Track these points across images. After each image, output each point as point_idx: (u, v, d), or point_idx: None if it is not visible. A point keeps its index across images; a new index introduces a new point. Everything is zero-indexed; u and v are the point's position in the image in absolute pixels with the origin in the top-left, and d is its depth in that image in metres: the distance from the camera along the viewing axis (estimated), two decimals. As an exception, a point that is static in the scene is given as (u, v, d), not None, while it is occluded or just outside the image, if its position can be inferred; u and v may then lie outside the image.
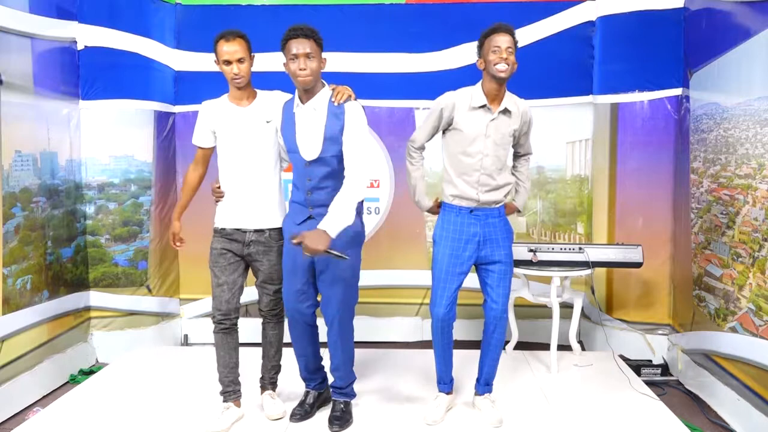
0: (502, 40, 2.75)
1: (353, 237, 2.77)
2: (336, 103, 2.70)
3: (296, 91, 2.77)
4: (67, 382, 3.76)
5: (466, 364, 3.40)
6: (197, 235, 4.45)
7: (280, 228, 2.90)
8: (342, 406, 2.98)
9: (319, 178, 2.73)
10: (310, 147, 2.73)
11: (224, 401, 3.00)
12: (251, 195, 2.85)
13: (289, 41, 2.65)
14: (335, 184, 2.70)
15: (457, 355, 3.09)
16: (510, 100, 2.86)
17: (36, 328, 3.55)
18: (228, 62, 2.74)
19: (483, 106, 2.80)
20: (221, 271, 2.89)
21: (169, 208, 4.45)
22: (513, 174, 3.09)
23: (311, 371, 3.04)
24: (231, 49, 2.73)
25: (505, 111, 2.83)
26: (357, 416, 3.03)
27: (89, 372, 3.83)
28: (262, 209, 2.87)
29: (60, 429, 2.95)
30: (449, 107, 2.85)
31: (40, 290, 3.61)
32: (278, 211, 2.92)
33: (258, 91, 2.90)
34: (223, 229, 2.88)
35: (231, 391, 3.00)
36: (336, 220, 2.53)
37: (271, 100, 2.88)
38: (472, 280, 3.03)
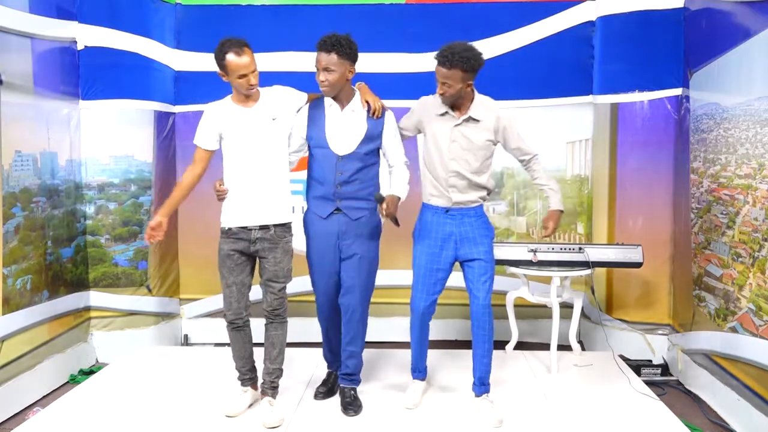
0: (438, 72, 2.81)
1: (375, 228, 3.05)
2: (375, 118, 2.95)
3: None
4: (67, 382, 3.76)
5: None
6: (197, 237, 4.48)
7: (286, 224, 2.98)
8: (352, 392, 3.13)
9: (351, 173, 2.93)
10: (345, 143, 2.94)
11: (242, 386, 3.11)
12: (257, 192, 2.89)
13: (317, 52, 2.85)
14: (363, 177, 2.96)
15: (449, 354, 3.15)
16: (479, 108, 2.89)
17: (36, 328, 3.55)
18: (244, 75, 2.76)
19: (445, 113, 2.91)
20: (229, 272, 2.93)
21: (169, 208, 4.45)
22: (535, 182, 3.10)
23: (335, 353, 3.22)
24: (244, 61, 2.75)
25: (470, 119, 2.89)
26: (357, 418, 3.04)
27: (89, 372, 3.83)
28: (267, 206, 2.90)
29: (60, 429, 2.95)
30: (420, 109, 3.02)
31: (40, 290, 3.61)
32: (286, 207, 2.98)
33: (260, 89, 2.92)
34: (230, 229, 2.91)
35: (248, 378, 3.11)
36: (401, 189, 2.98)
37: (275, 98, 2.94)
38: (459, 279, 3.11)
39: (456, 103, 2.89)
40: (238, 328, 3.00)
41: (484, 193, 3.00)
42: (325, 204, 2.97)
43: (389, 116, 3.01)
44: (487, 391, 3.09)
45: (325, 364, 3.37)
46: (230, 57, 2.74)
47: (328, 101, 2.95)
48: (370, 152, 2.97)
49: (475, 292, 2.95)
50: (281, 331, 3.02)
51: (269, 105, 2.90)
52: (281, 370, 3.07)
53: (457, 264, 3.05)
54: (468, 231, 2.95)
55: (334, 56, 2.80)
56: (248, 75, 2.76)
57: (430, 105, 2.97)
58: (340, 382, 3.16)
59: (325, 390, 3.21)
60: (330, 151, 2.94)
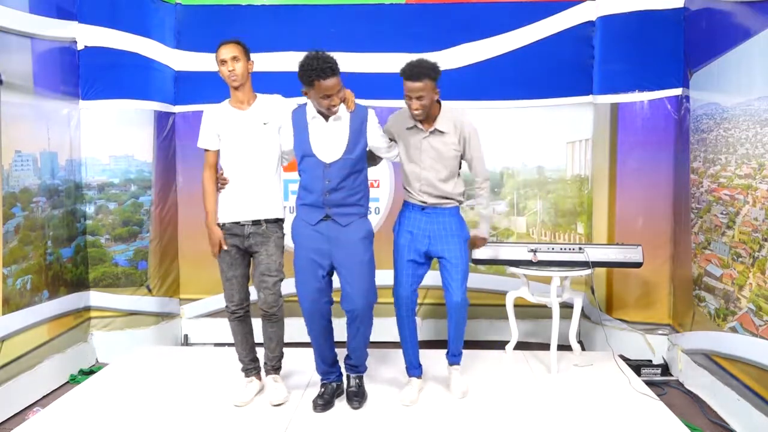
0: (410, 88, 2.90)
1: (366, 231, 3.01)
2: (350, 110, 2.95)
3: (310, 102, 2.92)
4: (67, 382, 3.76)
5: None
6: (197, 237, 4.47)
7: (277, 220, 3.07)
8: (357, 381, 3.16)
9: (339, 180, 2.91)
10: (331, 150, 2.91)
11: (246, 376, 3.22)
12: (249, 189, 3.01)
13: (317, 81, 2.73)
14: (351, 184, 2.94)
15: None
16: (444, 119, 3.02)
17: (36, 328, 3.55)
18: (224, 61, 2.92)
19: (414, 127, 3.03)
20: (228, 266, 3.07)
21: (169, 208, 4.45)
22: (476, 203, 3.25)
23: (329, 365, 3.17)
24: (226, 49, 2.93)
25: (436, 131, 3.01)
26: (358, 416, 3.04)
27: (89, 372, 3.83)
28: (258, 202, 3.01)
29: (60, 429, 2.94)
30: (392, 125, 3.13)
31: (40, 290, 3.61)
32: (276, 204, 3.08)
33: (258, 94, 3.05)
34: (223, 224, 3.04)
35: (252, 367, 3.23)
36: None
37: (270, 104, 3.05)
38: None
39: (426, 117, 3.00)
40: (240, 318, 3.13)
41: (456, 197, 3.12)
42: (314, 211, 2.95)
43: (371, 114, 3.00)
44: (458, 361, 3.33)
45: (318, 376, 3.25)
46: (219, 49, 2.95)
47: (311, 112, 2.92)
48: (357, 158, 2.94)
49: (448, 288, 3.12)
50: (277, 328, 3.13)
51: (262, 110, 3.01)
52: (282, 354, 3.22)
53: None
54: (440, 229, 3.09)
55: (337, 78, 2.77)
56: (227, 61, 2.90)
57: (400, 120, 3.09)
58: (346, 371, 3.19)
59: (323, 402, 3.09)
60: (316, 159, 2.91)
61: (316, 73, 2.70)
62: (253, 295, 3.11)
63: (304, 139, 2.94)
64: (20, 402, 3.34)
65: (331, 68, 2.72)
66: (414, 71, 2.87)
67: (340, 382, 3.22)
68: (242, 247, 3.04)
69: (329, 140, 2.92)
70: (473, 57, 4.41)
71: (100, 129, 4.12)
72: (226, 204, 3.03)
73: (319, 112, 2.90)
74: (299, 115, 2.97)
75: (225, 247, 3.02)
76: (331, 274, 3.02)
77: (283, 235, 3.11)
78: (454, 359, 3.34)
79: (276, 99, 3.08)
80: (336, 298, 3.05)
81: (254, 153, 3.00)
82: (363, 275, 2.95)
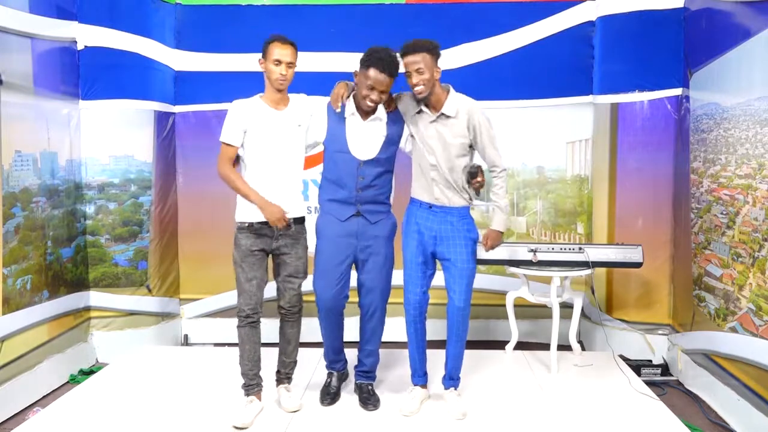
0: (408, 64, 2.82)
1: (391, 228, 3.10)
2: (389, 111, 3.00)
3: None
4: (67, 382, 3.76)
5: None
6: (197, 237, 4.48)
7: (303, 220, 3.06)
8: (370, 387, 3.20)
9: (372, 177, 2.98)
10: (367, 148, 2.97)
11: (247, 395, 3.05)
12: (278, 190, 2.94)
13: (371, 68, 2.78)
14: (382, 182, 3.02)
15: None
16: (452, 104, 2.89)
17: (36, 328, 3.55)
18: (279, 62, 2.84)
19: (421, 111, 2.95)
20: (250, 267, 2.94)
21: (169, 208, 4.45)
22: (491, 194, 3.03)
23: (338, 353, 3.25)
24: (285, 51, 2.85)
25: (442, 116, 2.90)
26: (358, 417, 3.04)
27: (89, 372, 3.83)
28: (288, 201, 2.96)
29: (60, 429, 2.95)
30: (402, 107, 3.05)
31: (40, 290, 3.61)
32: (301, 203, 3.08)
33: (289, 95, 3.00)
34: (251, 224, 2.92)
35: (254, 384, 3.07)
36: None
37: (302, 105, 3.02)
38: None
39: (430, 100, 2.89)
40: (253, 324, 2.98)
41: (466, 195, 3.01)
42: (345, 207, 3.00)
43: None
44: (455, 385, 3.18)
45: (323, 367, 3.33)
46: (274, 43, 2.85)
47: (350, 108, 2.96)
48: (389, 157, 3.02)
49: (450, 293, 3.03)
50: (296, 329, 3.13)
51: (297, 111, 2.98)
52: (296, 362, 3.19)
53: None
54: (447, 230, 2.98)
55: (390, 78, 2.82)
56: (282, 64, 2.83)
57: (408, 104, 3.00)
58: (357, 379, 3.22)
59: (331, 396, 3.19)
60: (351, 155, 2.96)
61: (375, 60, 2.76)
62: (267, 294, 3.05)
63: (340, 134, 2.97)
64: (20, 402, 3.34)
65: (389, 65, 2.76)
66: (410, 46, 2.82)
67: (345, 369, 3.31)
68: (268, 250, 2.96)
69: (366, 138, 2.97)
70: (473, 57, 4.41)
71: (100, 129, 4.12)
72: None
73: (357, 109, 2.94)
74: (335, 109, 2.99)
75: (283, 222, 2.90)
76: (350, 271, 3.08)
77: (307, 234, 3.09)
78: (452, 383, 3.19)
79: (303, 98, 3.05)
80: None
81: (287, 153, 2.96)
82: (385, 270, 3.06)
